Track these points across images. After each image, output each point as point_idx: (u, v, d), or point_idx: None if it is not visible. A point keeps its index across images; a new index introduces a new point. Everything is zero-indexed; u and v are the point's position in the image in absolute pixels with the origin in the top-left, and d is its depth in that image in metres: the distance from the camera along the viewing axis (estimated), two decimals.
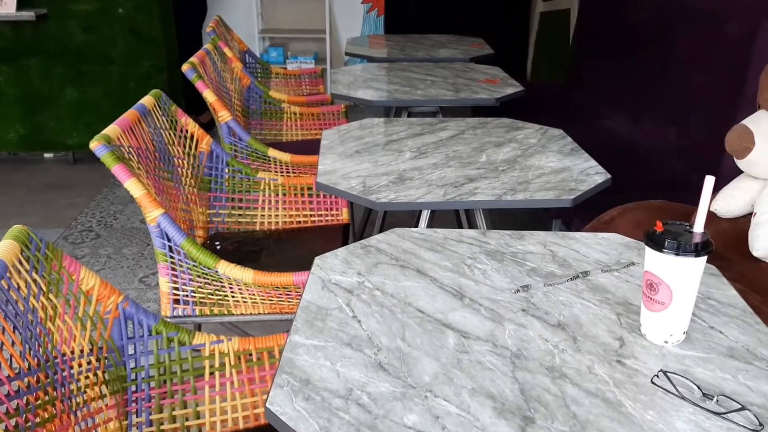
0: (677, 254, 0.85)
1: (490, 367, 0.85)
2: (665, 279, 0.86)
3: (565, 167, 1.63)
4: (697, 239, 0.85)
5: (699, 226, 0.87)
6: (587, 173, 1.60)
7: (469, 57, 3.12)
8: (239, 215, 2.01)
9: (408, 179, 1.56)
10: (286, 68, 4.35)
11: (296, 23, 4.85)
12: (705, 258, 0.86)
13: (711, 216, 1.45)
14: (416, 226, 1.62)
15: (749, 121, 1.49)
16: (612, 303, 1.00)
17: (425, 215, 1.63)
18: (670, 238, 0.85)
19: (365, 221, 2.94)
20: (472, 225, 2.21)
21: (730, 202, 1.53)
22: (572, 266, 1.11)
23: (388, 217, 2.72)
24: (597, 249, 1.17)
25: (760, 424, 0.75)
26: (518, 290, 1.04)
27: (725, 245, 1.51)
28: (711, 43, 2.23)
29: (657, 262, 0.87)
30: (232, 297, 1.57)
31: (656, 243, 0.86)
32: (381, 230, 2.53)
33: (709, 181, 0.86)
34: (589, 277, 1.07)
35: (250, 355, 1.30)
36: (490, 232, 1.24)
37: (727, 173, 1.64)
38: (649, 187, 1.95)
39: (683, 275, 0.86)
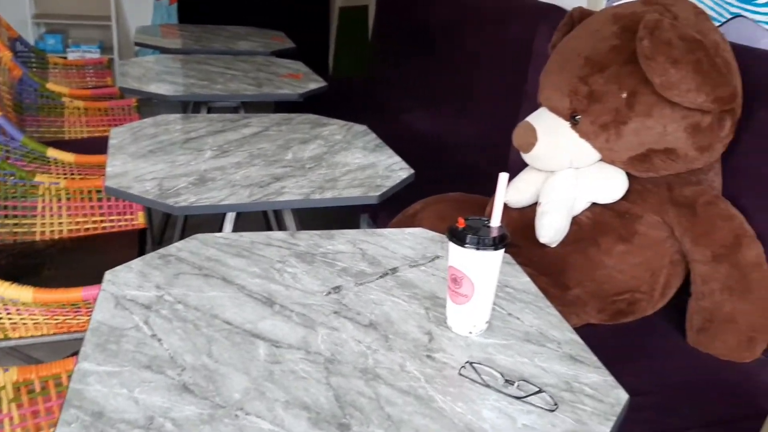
0: (477, 248, 0.88)
1: (304, 376, 0.83)
2: (468, 273, 0.90)
3: (370, 164, 1.65)
4: (494, 233, 0.89)
5: (496, 220, 0.91)
6: (392, 169, 1.63)
7: (270, 50, 3.06)
8: (14, 225, 1.77)
9: (210, 180, 1.47)
10: (66, 58, 3.95)
11: (76, 8, 4.41)
12: (503, 251, 0.90)
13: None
14: (221, 229, 1.54)
15: (532, 118, 1.62)
16: (420, 298, 1.02)
17: (230, 218, 1.55)
18: (470, 234, 0.88)
19: (165, 224, 2.76)
20: (281, 225, 2.17)
21: (518, 194, 1.65)
22: (382, 263, 1.12)
23: (190, 219, 2.58)
24: (404, 244, 1.19)
25: (555, 404, 0.81)
26: (329, 292, 1.02)
27: (515, 233, 1.63)
28: (497, 42, 2.40)
29: (459, 257, 0.89)
30: (9, 319, 1.38)
31: (458, 238, 0.89)
32: (183, 235, 2.39)
33: (503, 178, 0.91)
34: (397, 274, 1.09)
35: (33, 385, 1.15)
36: (300, 233, 1.20)
37: (515, 165, 1.77)
38: (449, 180, 2.05)
39: (484, 268, 0.89)
